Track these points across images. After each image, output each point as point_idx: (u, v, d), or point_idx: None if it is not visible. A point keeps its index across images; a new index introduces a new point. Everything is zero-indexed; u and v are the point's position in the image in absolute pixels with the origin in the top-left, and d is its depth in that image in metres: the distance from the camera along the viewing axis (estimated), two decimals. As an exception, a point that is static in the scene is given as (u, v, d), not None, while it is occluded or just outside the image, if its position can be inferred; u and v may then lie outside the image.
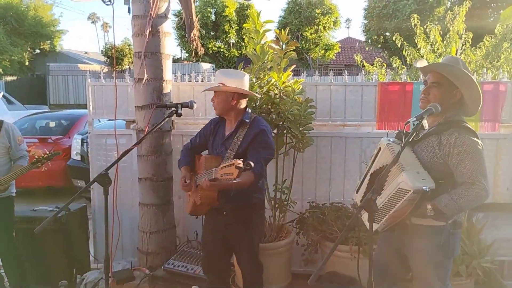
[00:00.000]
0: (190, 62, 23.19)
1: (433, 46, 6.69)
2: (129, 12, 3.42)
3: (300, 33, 24.50)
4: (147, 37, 3.28)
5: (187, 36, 3.56)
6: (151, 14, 3.26)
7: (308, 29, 24.37)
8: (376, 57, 7.90)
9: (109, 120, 4.70)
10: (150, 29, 3.28)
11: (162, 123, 2.46)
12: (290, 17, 24.53)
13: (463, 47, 6.24)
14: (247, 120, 2.61)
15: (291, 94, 3.22)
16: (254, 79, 3.23)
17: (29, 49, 23.25)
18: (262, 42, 3.29)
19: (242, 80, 2.60)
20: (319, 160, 3.81)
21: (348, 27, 63.66)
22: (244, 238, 2.68)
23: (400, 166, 2.00)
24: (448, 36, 6.43)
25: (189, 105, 2.53)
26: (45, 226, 2.06)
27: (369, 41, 22.85)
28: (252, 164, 2.16)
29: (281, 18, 25.44)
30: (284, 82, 3.23)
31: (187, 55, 26.58)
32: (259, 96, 3.18)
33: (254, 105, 3.16)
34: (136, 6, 3.35)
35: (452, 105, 2.15)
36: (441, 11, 16.70)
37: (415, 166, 2.06)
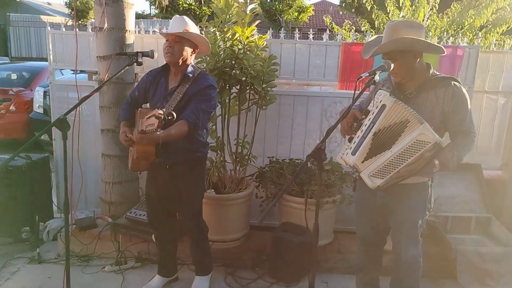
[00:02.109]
0: (160, 19, 22.45)
1: (402, 10, 6.77)
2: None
3: (274, -7, 24.05)
4: (109, -16, 3.19)
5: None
6: (113, -41, 3.16)
7: (282, -11, 23.93)
8: (346, 20, 7.90)
9: (72, 73, 4.61)
10: (112, -25, 3.18)
11: (122, 71, 2.44)
12: (264, -24, 23.95)
13: (430, 12, 6.34)
14: (191, 75, 2.57)
15: (254, 49, 3.25)
16: (217, 33, 3.22)
17: (-13, -3, 21.81)
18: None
19: (199, 31, 2.59)
20: (281, 118, 3.89)
21: (323, -10, 62.61)
22: (185, 193, 2.70)
23: (419, 118, 2.00)
24: (417, 1, 6.50)
25: (149, 54, 2.51)
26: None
27: (343, 5, 22.71)
28: (174, 114, 2.18)
29: (255, -23, 24.82)
30: (248, 37, 3.25)
31: (156, 11, 25.65)
32: (220, 51, 3.17)
33: (217, 59, 3.17)
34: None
35: (419, 64, 2.20)
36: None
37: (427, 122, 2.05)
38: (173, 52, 2.50)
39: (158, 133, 2.22)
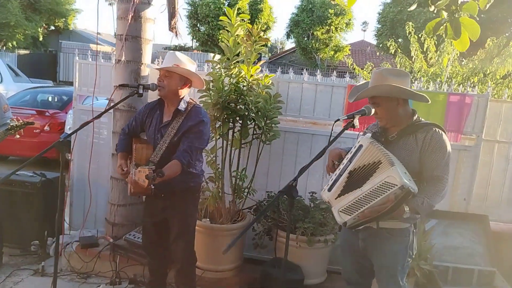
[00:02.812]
0: (200, 52, 23.39)
1: (426, 55, 6.81)
2: (115, -4, 3.61)
3: (311, 32, 24.58)
4: (129, 21, 3.47)
5: (168, 23, 3.74)
6: (134, 0, 3.45)
7: (320, 28, 24.44)
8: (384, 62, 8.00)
9: (106, 99, 4.92)
10: (132, 14, 3.46)
11: (121, 102, 2.65)
12: (302, 15, 24.62)
13: (452, 59, 6.35)
14: (182, 110, 2.67)
15: (257, 87, 3.40)
16: (222, 70, 3.41)
17: (44, 25, 23.59)
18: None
19: (194, 67, 2.73)
20: (285, 154, 3.98)
21: (364, 30, 63.26)
22: (178, 222, 2.78)
23: (391, 161, 2.04)
24: (442, 46, 6.54)
25: (151, 87, 2.70)
26: (4, 180, 2.27)
27: (381, 46, 22.84)
28: (164, 172, 2.33)
29: (293, 16, 25.55)
30: (252, 75, 3.41)
31: (197, 44, 26.76)
32: (224, 86, 3.31)
33: (220, 94, 3.34)
34: (121, -9, 3.55)
35: (403, 110, 2.24)
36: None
37: (401, 166, 2.09)
38: (163, 86, 2.65)
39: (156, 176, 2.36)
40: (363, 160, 2.14)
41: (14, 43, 21.09)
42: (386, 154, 2.09)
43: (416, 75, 6.45)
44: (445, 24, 2.24)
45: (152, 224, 2.90)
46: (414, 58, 6.77)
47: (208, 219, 3.47)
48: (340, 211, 2.18)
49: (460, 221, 3.74)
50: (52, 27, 25.10)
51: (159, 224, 2.86)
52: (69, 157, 4.29)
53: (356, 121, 2.18)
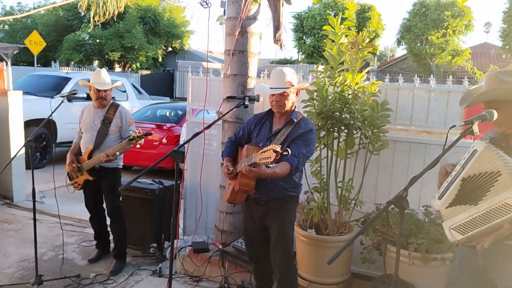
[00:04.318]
0: (305, 64, 23.57)
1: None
2: (224, 14, 3.82)
3: (425, 36, 23.10)
4: (236, 36, 3.64)
5: (273, 36, 3.83)
6: (241, 16, 3.61)
7: (435, 32, 22.83)
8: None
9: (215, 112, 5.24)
10: (239, 29, 3.63)
11: (229, 114, 2.76)
12: (415, 20, 23.26)
13: None
14: (295, 120, 2.76)
15: (363, 95, 3.28)
16: (326, 79, 3.37)
17: (163, 47, 26.03)
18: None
19: (296, 76, 2.79)
20: (395, 166, 3.76)
21: (487, 32, 57.57)
22: (276, 230, 2.82)
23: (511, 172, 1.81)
24: None
25: (255, 98, 2.79)
26: (126, 187, 2.51)
27: (507, 48, 20.60)
28: (289, 150, 2.33)
29: (404, 21, 24.31)
30: (357, 83, 3.31)
31: (303, 56, 27.02)
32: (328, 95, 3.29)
33: (324, 103, 3.30)
34: (229, 8, 3.74)
35: None
36: None
37: None
38: (281, 105, 2.76)
39: (268, 169, 2.44)
40: (479, 168, 1.91)
41: (138, 64, 23.63)
42: (507, 163, 1.83)
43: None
44: None
45: (253, 230, 2.98)
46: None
47: (313, 230, 3.42)
48: (452, 229, 1.98)
49: None
50: (170, 48, 27.54)
51: (260, 230, 2.94)
52: (183, 167, 4.62)
53: (476, 128, 1.96)
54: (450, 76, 3.95)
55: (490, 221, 1.85)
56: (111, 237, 4.20)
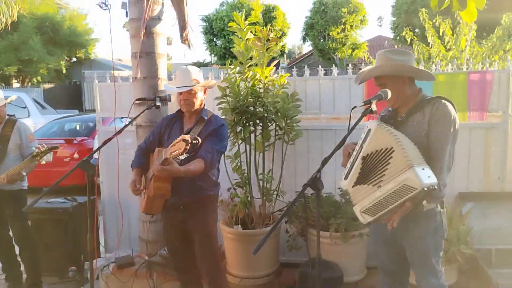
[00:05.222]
0: (218, 66, 23.65)
1: (443, 40, 6.65)
2: (126, 16, 3.68)
3: (327, 33, 24.43)
4: (141, 38, 3.53)
5: (180, 36, 3.78)
6: (144, 17, 3.51)
7: (335, 28, 24.23)
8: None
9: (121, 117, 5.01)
10: (144, 31, 3.52)
11: (142, 118, 2.67)
12: (316, 17, 24.51)
13: (470, 40, 6.17)
14: (205, 118, 2.73)
15: (274, 88, 3.38)
16: (237, 75, 3.41)
17: (66, 57, 24.43)
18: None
19: (201, 74, 2.76)
20: (310, 152, 3.93)
21: (380, 25, 62.37)
22: (200, 233, 2.76)
23: (407, 160, 1.94)
24: (458, 29, 6.37)
25: (167, 98, 2.73)
26: (31, 206, 2.30)
27: (398, 38, 22.54)
28: (199, 138, 2.29)
29: (307, 19, 25.48)
30: (267, 77, 3.40)
31: (215, 58, 27.07)
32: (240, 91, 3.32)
33: (238, 99, 3.33)
34: (131, 10, 3.61)
35: (409, 88, 2.22)
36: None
37: (418, 157, 2.01)
38: (190, 103, 2.70)
39: (181, 167, 2.35)
40: (375, 145, 2.07)
41: (39, 78, 21.90)
42: (397, 139, 2.00)
43: (434, 60, 6.29)
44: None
45: (175, 237, 2.88)
46: (431, 44, 6.61)
47: (239, 226, 3.44)
48: (362, 212, 2.12)
49: (497, 201, 3.60)
50: (74, 59, 25.95)
51: (182, 237, 2.84)
52: (100, 181, 4.37)
53: (374, 106, 2.12)
54: (350, 64, 4.21)
55: (394, 202, 2.00)
56: (22, 267, 3.83)
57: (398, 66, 2.16)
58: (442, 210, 2.22)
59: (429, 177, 1.96)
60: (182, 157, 2.31)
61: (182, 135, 2.28)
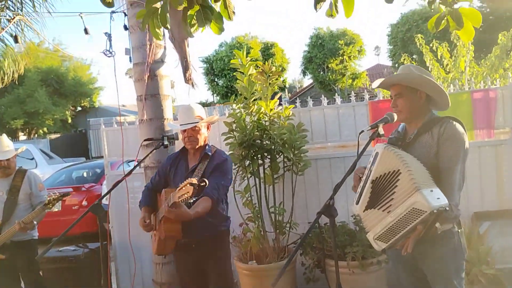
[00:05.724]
0: (220, 105, 23.97)
1: (442, 63, 6.74)
2: (130, 61, 3.78)
3: (326, 65, 24.87)
4: (146, 81, 3.61)
5: (183, 76, 3.86)
6: (148, 60, 3.60)
7: (333, 60, 24.70)
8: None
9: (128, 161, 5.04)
10: (148, 73, 3.61)
11: (150, 159, 2.68)
12: (314, 51, 25.05)
13: (468, 60, 6.24)
14: (209, 153, 2.73)
15: (280, 119, 3.42)
16: (242, 110, 3.46)
17: (71, 107, 24.86)
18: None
19: (203, 110, 2.79)
20: (320, 183, 3.91)
21: (377, 55, 63.51)
22: (214, 272, 2.71)
23: (414, 182, 1.92)
24: (455, 51, 6.47)
25: (174, 137, 2.76)
26: (44, 253, 2.28)
27: (396, 66, 22.90)
28: (206, 181, 2.28)
29: (305, 53, 26.02)
30: (272, 109, 3.44)
31: (218, 98, 27.49)
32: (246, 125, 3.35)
33: (244, 133, 3.36)
34: (135, 55, 3.72)
35: (423, 105, 2.22)
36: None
37: (426, 179, 1.99)
38: (194, 140, 2.70)
39: (190, 211, 2.35)
40: (383, 168, 2.06)
41: (45, 129, 22.21)
42: (403, 161, 1.99)
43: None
44: (446, 18, 2.22)
45: (189, 278, 2.80)
46: (431, 68, 6.70)
47: (254, 261, 3.38)
48: (376, 239, 2.09)
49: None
50: (79, 108, 26.41)
51: (196, 276, 2.77)
52: (110, 226, 4.34)
53: (381, 130, 2.13)
54: (352, 92, 4.27)
55: (406, 227, 1.97)
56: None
57: (424, 79, 2.16)
58: (460, 230, 2.17)
59: (438, 198, 1.93)
60: (191, 201, 2.32)
61: (189, 178, 2.27)
